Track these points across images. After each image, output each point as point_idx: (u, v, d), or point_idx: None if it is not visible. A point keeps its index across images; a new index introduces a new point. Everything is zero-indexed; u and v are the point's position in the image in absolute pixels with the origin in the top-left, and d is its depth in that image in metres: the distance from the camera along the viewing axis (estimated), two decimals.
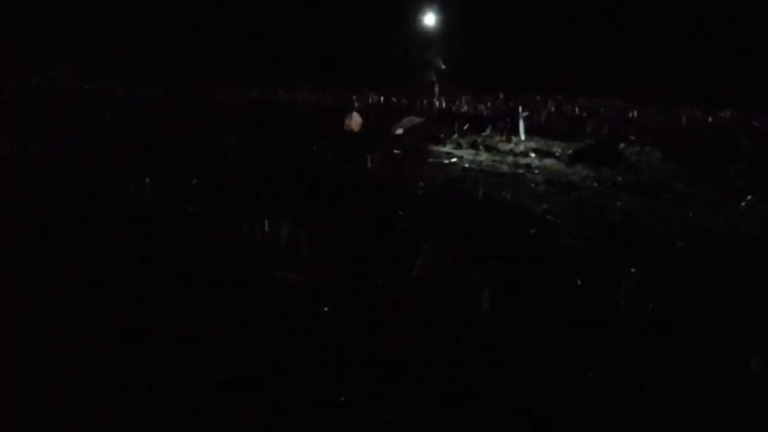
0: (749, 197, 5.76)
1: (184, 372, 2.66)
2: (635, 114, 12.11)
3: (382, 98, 14.18)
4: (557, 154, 7.96)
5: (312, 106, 12.68)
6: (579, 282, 3.66)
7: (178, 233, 4.43)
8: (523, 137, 9.17)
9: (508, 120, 11.19)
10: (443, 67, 11.79)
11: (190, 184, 5.50)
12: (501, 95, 14.83)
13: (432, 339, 2.96)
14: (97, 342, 2.91)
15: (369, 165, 6.74)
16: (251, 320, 3.13)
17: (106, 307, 3.26)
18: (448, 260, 3.88)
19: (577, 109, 12.60)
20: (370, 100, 13.95)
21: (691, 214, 5.22)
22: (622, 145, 8.73)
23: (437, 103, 12.37)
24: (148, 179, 5.57)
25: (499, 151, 8.09)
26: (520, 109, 11.27)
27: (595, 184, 6.31)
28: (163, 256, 3.96)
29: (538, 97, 14.65)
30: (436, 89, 12.28)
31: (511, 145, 8.56)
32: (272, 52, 23.20)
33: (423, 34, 12.00)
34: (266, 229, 4.37)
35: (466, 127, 9.63)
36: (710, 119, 11.29)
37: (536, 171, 6.84)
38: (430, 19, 11.96)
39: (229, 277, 3.67)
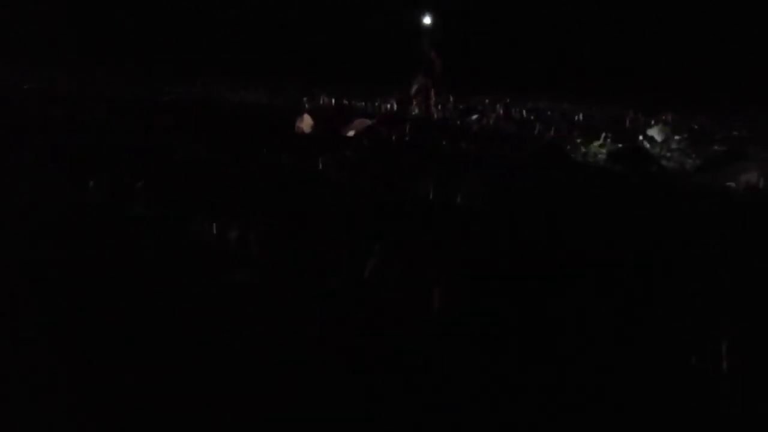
0: (689, 202, 5.97)
1: (138, 377, 2.60)
2: (581, 117, 12.41)
3: (333, 100, 14.16)
4: (507, 156, 8.08)
5: (262, 108, 12.56)
6: (527, 282, 3.72)
7: (123, 236, 4.32)
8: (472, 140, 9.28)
9: (458, 123, 11.34)
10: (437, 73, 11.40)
11: (136, 185, 5.37)
12: (451, 98, 14.97)
13: (383, 338, 2.96)
14: (42, 348, 2.81)
15: (320, 167, 6.71)
16: (202, 322, 3.08)
17: (47, 312, 3.16)
18: (401, 260, 3.89)
19: (524, 112, 12.83)
20: (322, 102, 13.91)
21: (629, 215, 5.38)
22: (568, 147, 8.95)
23: (431, 105, 11.92)
24: (92, 182, 5.42)
25: (449, 155, 8.16)
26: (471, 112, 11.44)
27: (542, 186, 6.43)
28: (109, 260, 3.86)
29: (487, 100, 14.86)
30: (414, 90, 11.82)
31: (462, 148, 8.65)
32: (222, 53, 22.88)
33: (433, 36, 11.53)
34: (215, 230, 4.31)
35: (417, 130, 9.69)
36: (653, 122, 11.65)
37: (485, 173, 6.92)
38: (432, 21, 11.51)
39: (178, 279, 3.60)
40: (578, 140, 9.62)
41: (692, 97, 15.07)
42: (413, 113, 11.75)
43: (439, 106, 12.50)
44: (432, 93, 11.62)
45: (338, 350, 2.86)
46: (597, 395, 2.57)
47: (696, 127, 11.56)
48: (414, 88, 11.66)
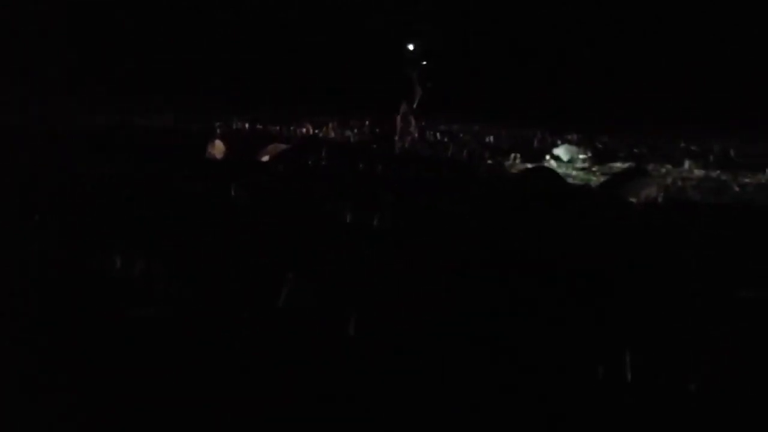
0: (594, 217, 6.21)
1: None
2: (491, 138, 12.79)
3: (247, 125, 13.97)
4: (422, 178, 8.17)
5: (172, 133, 12.19)
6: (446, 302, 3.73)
7: (19, 274, 4.03)
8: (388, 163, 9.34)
9: (374, 146, 11.40)
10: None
11: (33, 218, 5.05)
12: (366, 122, 15.10)
13: (297, 369, 2.87)
14: None
15: (233, 193, 6.55)
16: (103, 361, 2.88)
17: None
18: (315, 287, 3.82)
19: (438, 135, 13.08)
20: (235, 126, 13.68)
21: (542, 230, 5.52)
22: (480, 168, 9.19)
23: (416, 135, 11.34)
24: None
25: (366, 178, 8.17)
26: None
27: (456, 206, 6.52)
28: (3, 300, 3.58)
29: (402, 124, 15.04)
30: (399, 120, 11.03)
31: (378, 171, 8.68)
32: (130, 75, 22.13)
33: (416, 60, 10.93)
34: (119, 264, 4.09)
35: (333, 154, 9.65)
36: (559, 142, 12.13)
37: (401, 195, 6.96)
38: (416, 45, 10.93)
39: (78, 317, 3.37)
40: (489, 161, 9.89)
41: (595, 118, 15.87)
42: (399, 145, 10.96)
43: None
44: (412, 120, 11.17)
45: (252, 385, 2.74)
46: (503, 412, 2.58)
47: (600, 146, 12.15)
48: (399, 117, 11.02)
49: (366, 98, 16.91)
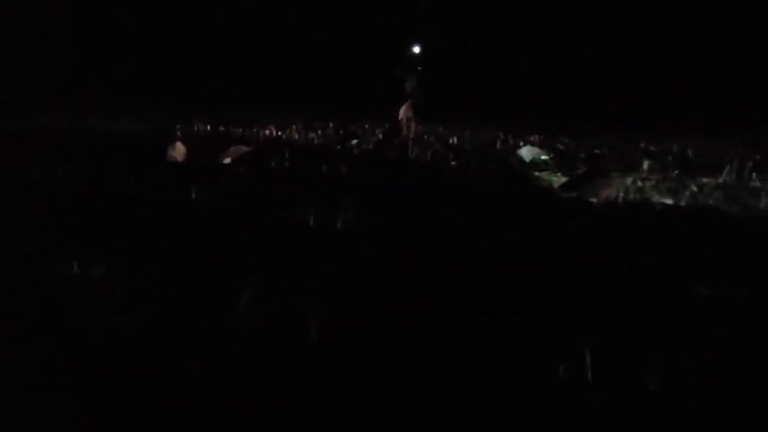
0: (556, 216, 6.27)
1: None
2: (455, 140, 12.85)
3: (209, 127, 13.78)
4: (386, 179, 8.14)
5: (132, 136, 11.95)
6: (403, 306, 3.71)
7: None
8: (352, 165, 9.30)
9: (338, 148, 11.36)
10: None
11: None
12: (331, 124, 15.06)
13: (256, 373, 2.82)
14: None
15: (194, 196, 6.43)
16: (69, 368, 2.79)
17: None
18: (276, 291, 3.76)
19: None
20: (196, 129, 13.48)
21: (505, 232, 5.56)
22: (445, 169, 9.21)
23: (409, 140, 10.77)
24: None
25: (329, 180, 8.11)
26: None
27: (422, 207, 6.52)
28: None
29: (366, 126, 15.05)
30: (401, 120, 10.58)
31: (342, 173, 8.63)
32: (91, 78, 21.66)
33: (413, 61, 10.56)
34: (81, 269, 3.96)
35: (296, 156, 9.58)
36: (522, 143, 12.25)
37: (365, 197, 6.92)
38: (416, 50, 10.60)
39: (42, 323, 3.25)
40: (453, 162, 9.92)
41: (557, 119, 16.11)
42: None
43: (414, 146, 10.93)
44: (413, 126, 10.70)
45: (213, 393, 2.68)
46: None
47: (561, 147, 12.30)
48: (403, 120, 10.56)
49: (333, 101, 16.85)
